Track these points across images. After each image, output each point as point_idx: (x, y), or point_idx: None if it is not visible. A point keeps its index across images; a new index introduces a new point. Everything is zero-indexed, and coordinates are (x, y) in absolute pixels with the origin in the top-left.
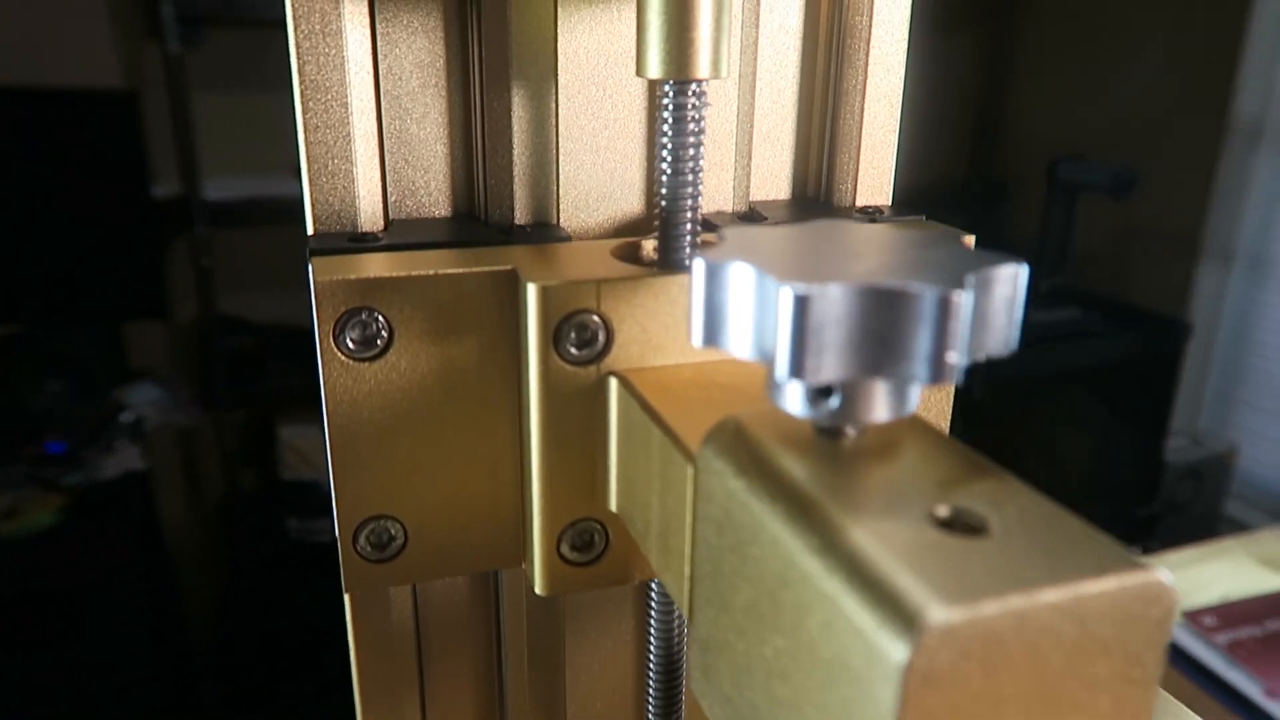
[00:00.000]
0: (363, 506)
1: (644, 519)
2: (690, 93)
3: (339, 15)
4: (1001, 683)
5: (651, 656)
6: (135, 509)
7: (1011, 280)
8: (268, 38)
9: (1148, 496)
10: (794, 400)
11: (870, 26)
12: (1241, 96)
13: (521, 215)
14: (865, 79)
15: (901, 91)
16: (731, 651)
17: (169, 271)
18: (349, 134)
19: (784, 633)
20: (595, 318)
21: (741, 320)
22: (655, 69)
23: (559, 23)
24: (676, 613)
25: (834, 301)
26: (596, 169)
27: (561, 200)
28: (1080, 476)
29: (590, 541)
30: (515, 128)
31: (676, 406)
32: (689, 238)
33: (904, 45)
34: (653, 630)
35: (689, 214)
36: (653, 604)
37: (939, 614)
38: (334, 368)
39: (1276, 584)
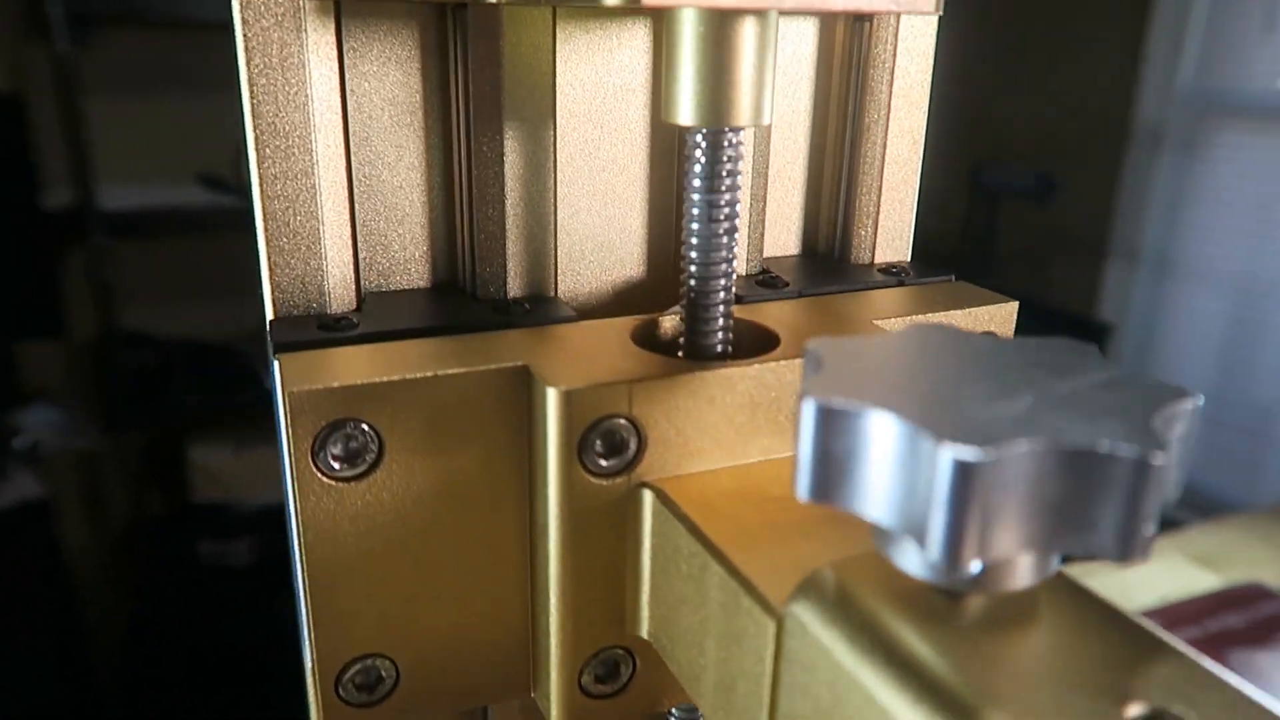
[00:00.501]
0: (347, 647)
1: (692, 659)
2: (726, 143)
3: (301, 46)
4: None
5: None
6: (34, 539)
7: (1190, 416)
8: (167, 37)
9: None
10: (916, 562)
11: (894, 55)
12: (1143, 102)
13: (515, 284)
14: (888, 114)
15: (925, 129)
16: None
17: (64, 286)
18: (314, 185)
19: None
20: (626, 423)
21: (876, 480)
22: (688, 114)
23: (558, 51)
24: None
25: (1008, 467)
26: (596, 225)
27: (560, 261)
28: None
29: (615, 671)
30: (508, 176)
31: (734, 533)
32: (722, 319)
33: (929, 78)
34: None
35: (722, 294)
36: None
37: None
38: (312, 490)
39: (1211, 582)
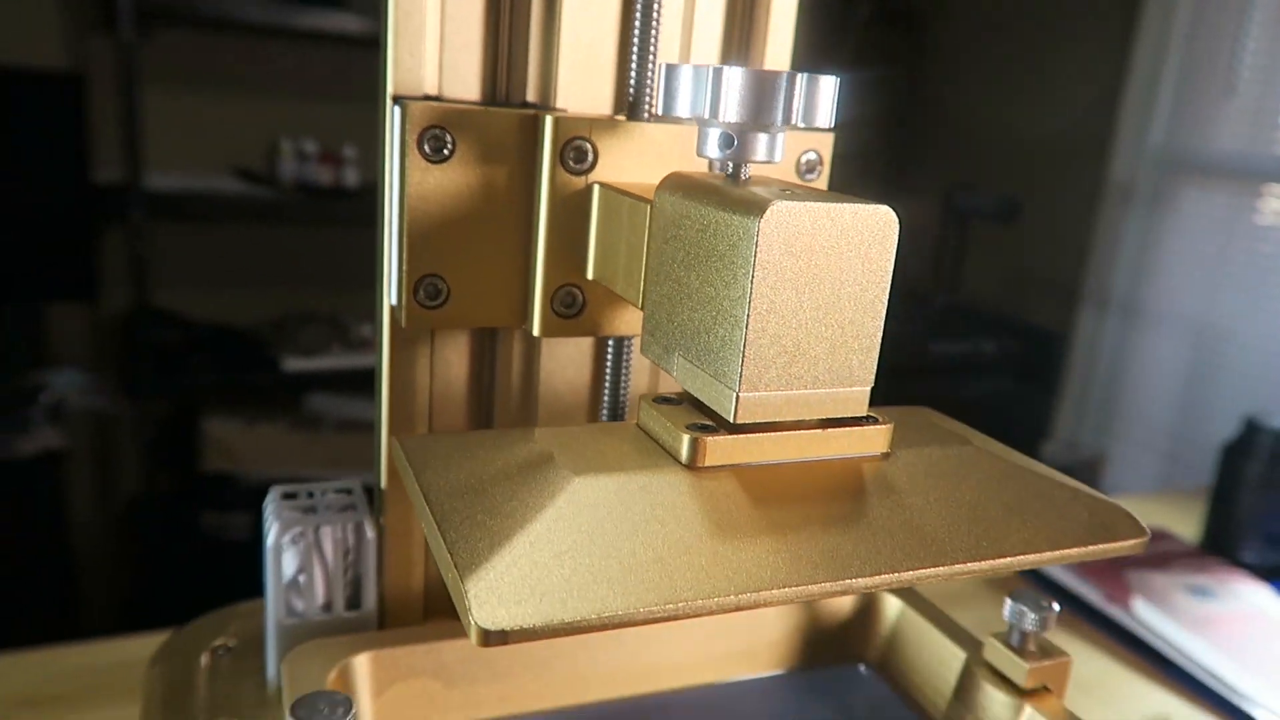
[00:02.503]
0: (422, 266)
1: (613, 266)
2: None
3: None
4: (804, 249)
5: (607, 382)
6: (46, 490)
7: (832, 86)
8: (219, 38)
9: None
10: (712, 146)
11: None
12: (1116, 159)
13: (532, 95)
14: None
15: None
16: (668, 302)
17: (103, 259)
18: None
19: (698, 260)
20: (588, 144)
21: (685, 94)
22: None
23: None
24: (626, 357)
25: (735, 76)
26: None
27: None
28: None
29: (574, 300)
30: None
31: (638, 189)
32: (647, 110)
33: None
34: (608, 370)
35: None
36: (609, 354)
37: (773, 206)
38: (414, 167)
39: None
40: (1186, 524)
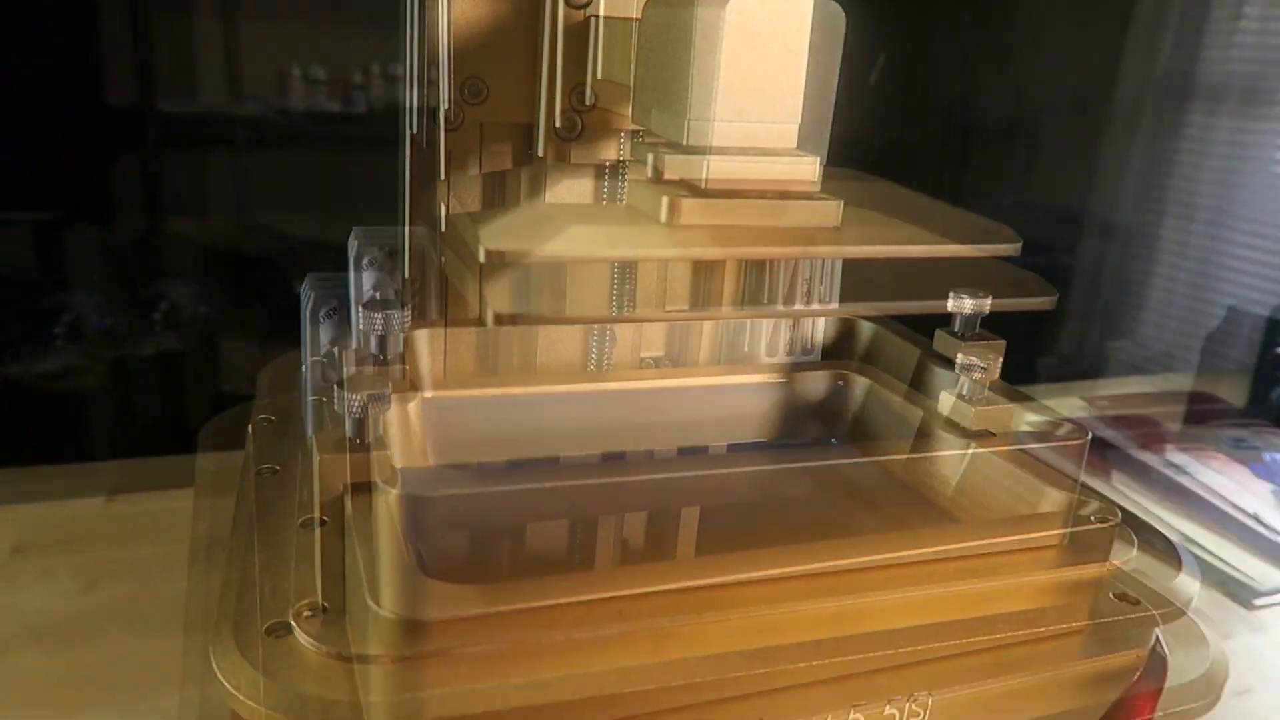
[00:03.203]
0: (466, 69)
1: (610, 87)
2: None
3: None
4: (765, 35)
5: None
6: (65, 410)
7: None
8: None
9: None
10: None
11: None
12: (1122, 83)
13: None
14: None
15: None
16: (655, 105)
17: (115, 182)
18: None
19: (678, 59)
20: None
21: None
22: None
23: None
24: (621, 183)
25: None
26: None
27: None
28: None
29: (574, 125)
30: None
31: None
32: None
33: None
34: (604, 197)
35: None
36: (606, 174)
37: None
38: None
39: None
40: (1170, 417)
